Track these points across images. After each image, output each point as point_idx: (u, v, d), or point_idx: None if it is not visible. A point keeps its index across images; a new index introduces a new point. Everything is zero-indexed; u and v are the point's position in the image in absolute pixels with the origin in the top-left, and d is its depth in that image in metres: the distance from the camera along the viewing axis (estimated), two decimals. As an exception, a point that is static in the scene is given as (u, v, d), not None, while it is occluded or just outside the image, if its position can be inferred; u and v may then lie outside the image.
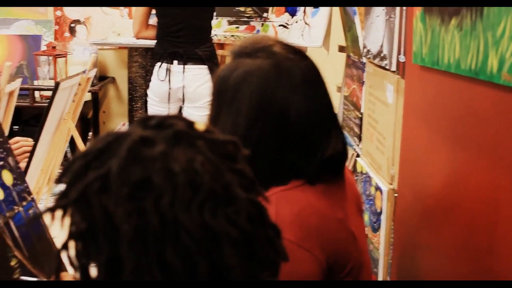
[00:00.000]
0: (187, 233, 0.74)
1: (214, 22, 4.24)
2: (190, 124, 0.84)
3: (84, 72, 2.10)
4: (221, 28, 4.20)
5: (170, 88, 3.74)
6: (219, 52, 4.23)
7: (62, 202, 0.77)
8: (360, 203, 1.49)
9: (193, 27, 3.72)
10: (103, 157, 0.77)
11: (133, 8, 4.09)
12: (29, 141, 2.39)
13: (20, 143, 2.34)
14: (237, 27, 4.14)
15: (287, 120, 1.28)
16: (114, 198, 0.74)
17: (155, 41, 3.85)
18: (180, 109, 3.85)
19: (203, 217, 0.75)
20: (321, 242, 1.25)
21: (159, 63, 3.77)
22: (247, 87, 1.29)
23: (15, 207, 1.21)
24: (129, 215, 0.73)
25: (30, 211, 1.26)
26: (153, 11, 3.85)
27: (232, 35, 4.12)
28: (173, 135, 0.79)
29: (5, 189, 1.20)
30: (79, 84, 2.11)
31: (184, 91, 3.74)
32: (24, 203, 1.25)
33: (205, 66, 3.72)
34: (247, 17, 4.18)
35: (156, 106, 3.85)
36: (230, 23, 4.18)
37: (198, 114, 3.73)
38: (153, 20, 3.86)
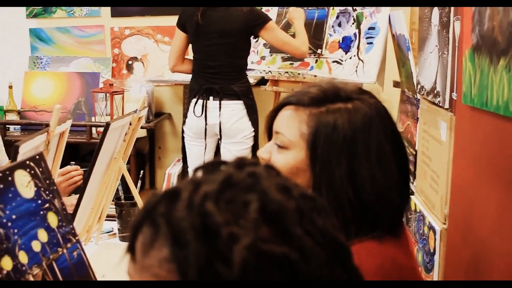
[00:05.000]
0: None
1: (268, 58, 4.24)
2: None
3: (135, 111, 2.11)
4: (275, 65, 4.21)
5: (206, 124, 3.76)
6: (274, 88, 4.24)
7: None
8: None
9: (229, 64, 3.74)
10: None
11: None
12: (79, 170, 2.43)
13: (70, 174, 2.38)
14: (291, 64, 4.13)
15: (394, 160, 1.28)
16: None
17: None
18: (218, 145, 3.87)
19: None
20: None
21: (194, 99, 3.79)
22: (367, 133, 1.25)
23: (59, 249, 1.22)
24: None
25: (75, 253, 1.27)
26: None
27: (286, 72, 4.12)
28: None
29: (49, 232, 1.20)
30: (130, 124, 2.12)
31: (221, 127, 3.75)
32: (69, 245, 1.25)
33: (241, 102, 3.73)
34: (301, 53, 4.17)
35: (193, 141, 3.87)
36: (284, 59, 4.18)
37: (236, 149, 3.75)
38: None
